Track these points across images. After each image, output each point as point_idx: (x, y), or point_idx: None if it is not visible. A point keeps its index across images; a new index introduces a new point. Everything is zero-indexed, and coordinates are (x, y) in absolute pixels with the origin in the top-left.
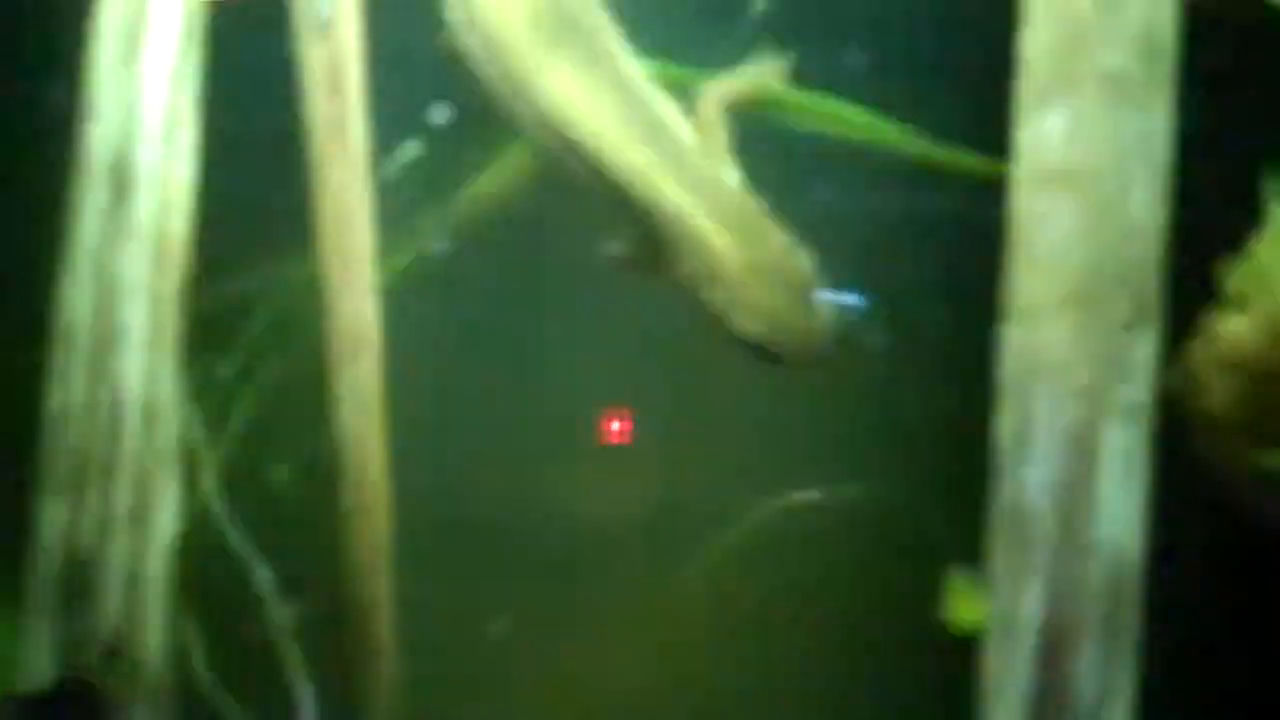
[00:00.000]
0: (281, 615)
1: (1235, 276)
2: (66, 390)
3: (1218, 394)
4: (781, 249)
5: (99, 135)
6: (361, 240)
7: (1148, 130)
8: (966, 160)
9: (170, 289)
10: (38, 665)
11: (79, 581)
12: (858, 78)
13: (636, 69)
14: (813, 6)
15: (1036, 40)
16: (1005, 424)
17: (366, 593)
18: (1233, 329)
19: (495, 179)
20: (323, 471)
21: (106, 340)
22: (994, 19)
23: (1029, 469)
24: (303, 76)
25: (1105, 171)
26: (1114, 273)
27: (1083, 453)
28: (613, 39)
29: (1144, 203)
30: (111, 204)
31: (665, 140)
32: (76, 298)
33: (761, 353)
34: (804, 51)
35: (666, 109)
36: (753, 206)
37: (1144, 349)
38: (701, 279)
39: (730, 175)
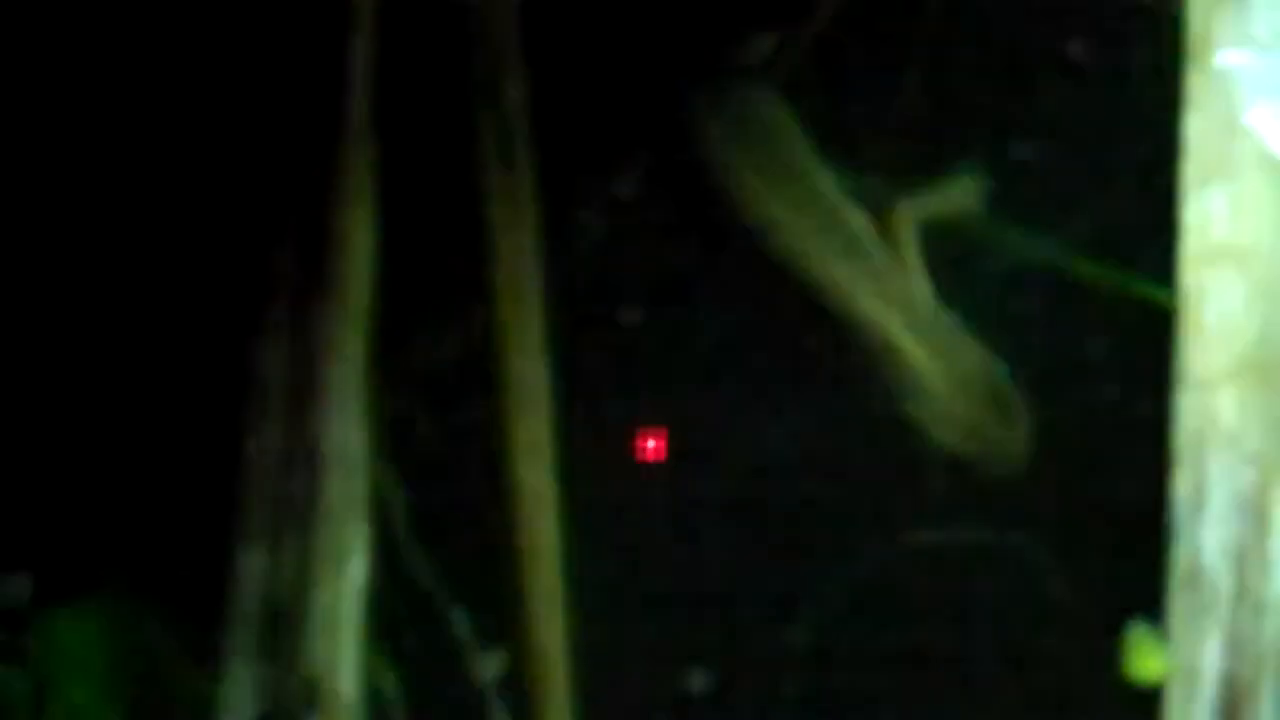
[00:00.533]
0: (476, 661)
1: None
2: (264, 442)
3: None
4: (979, 362)
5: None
6: (533, 304)
7: None
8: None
9: (360, 344)
10: (239, 706)
11: (278, 625)
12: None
13: (829, 182)
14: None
15: (1198, 123)
16: (1181, 488)
17: (542, 641)
18: None
19: None
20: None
21: (302, 393)
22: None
23: (1205, 530)
24: (475, 147)
25: (1267, 246)
26: (1277, 342)
27: (1256, 515)
28: (807, 152)
29: None
30: (303, 265)
31: (861, 254)
32: (274, 353)
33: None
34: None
35: (859, 222)
36: (946, 320)
37: None
38: (902, 393)
39: (922, 289)
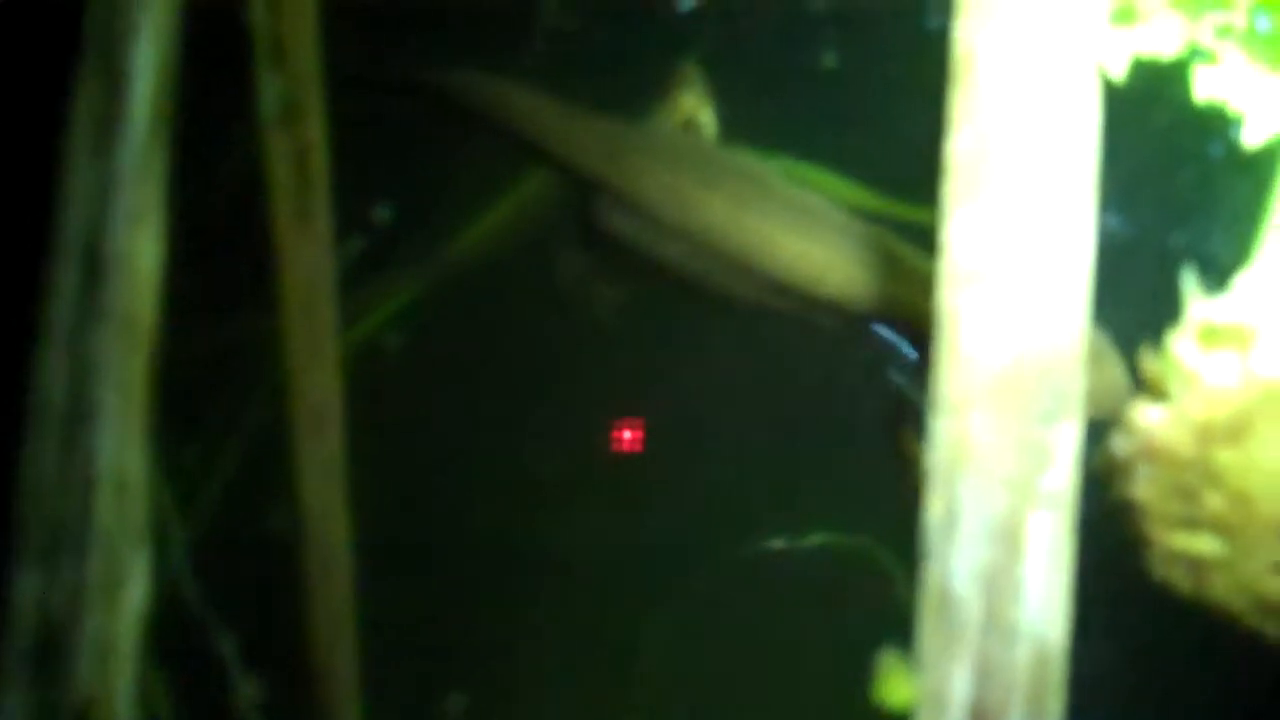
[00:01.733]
0: (247, 687)
1: (1154, 368)
2: (40, 464)
3: (1139, 482)
4: None
5: (72, 220)
6: (325, 316)
7: (1066, 228)
8: None
9: (140, 367)
10: None
11: (52, 651)
12: None
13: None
14: None
15: (960, 140)
16: (934, 511)
17: (327, 666)
18: (1150, 420)
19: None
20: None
21: (79, 414)
22: None
23: (956, 555)
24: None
25: (1026, 268)
26: (1035, 367)
27: (1007, 539)
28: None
29: (1063, 299)
30: (83, 286)
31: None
32: (51, 375)
33: None
34: None
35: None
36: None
37: (1065, 439)
38: None
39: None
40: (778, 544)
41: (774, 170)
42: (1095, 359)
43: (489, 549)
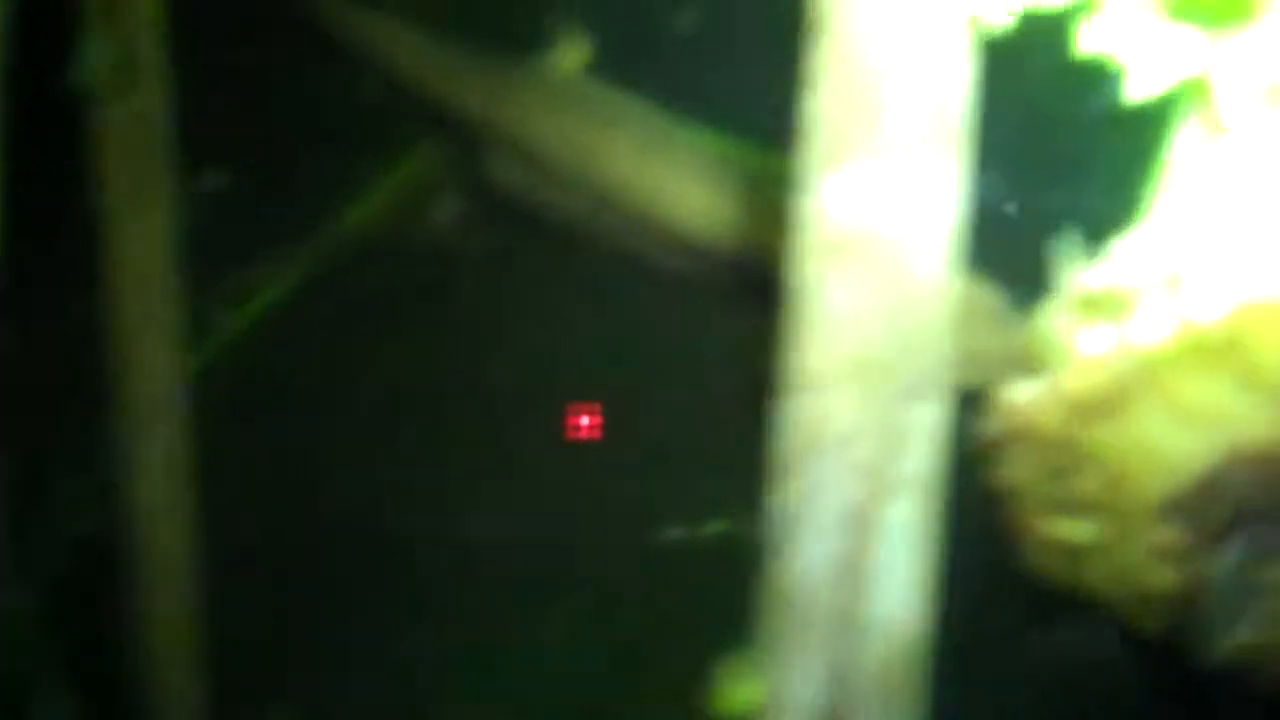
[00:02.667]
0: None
1: (1029, 338)
2: None
3: (1009, 462)
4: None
5: None
6: (163, 299)
7: (937, 193)
8: None
9: None
10: None
11: None
12: None
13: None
14: None
15: (821, 99)
16: (784, 497)
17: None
18: (1021, 398)
19: None
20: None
21: None
22: None
23: (807, 545)
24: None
25: (892, 236)
26: (898, 341)
27: (862, 528)
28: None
29: (931, 269)
30: None
31: None
32: None
33: None
34: None
35: None
36: None
37: (928, 419)
38: None
39: None
40: (676, 533)
41: (675, 120)
42: (989, 318)
43: (365, 543)
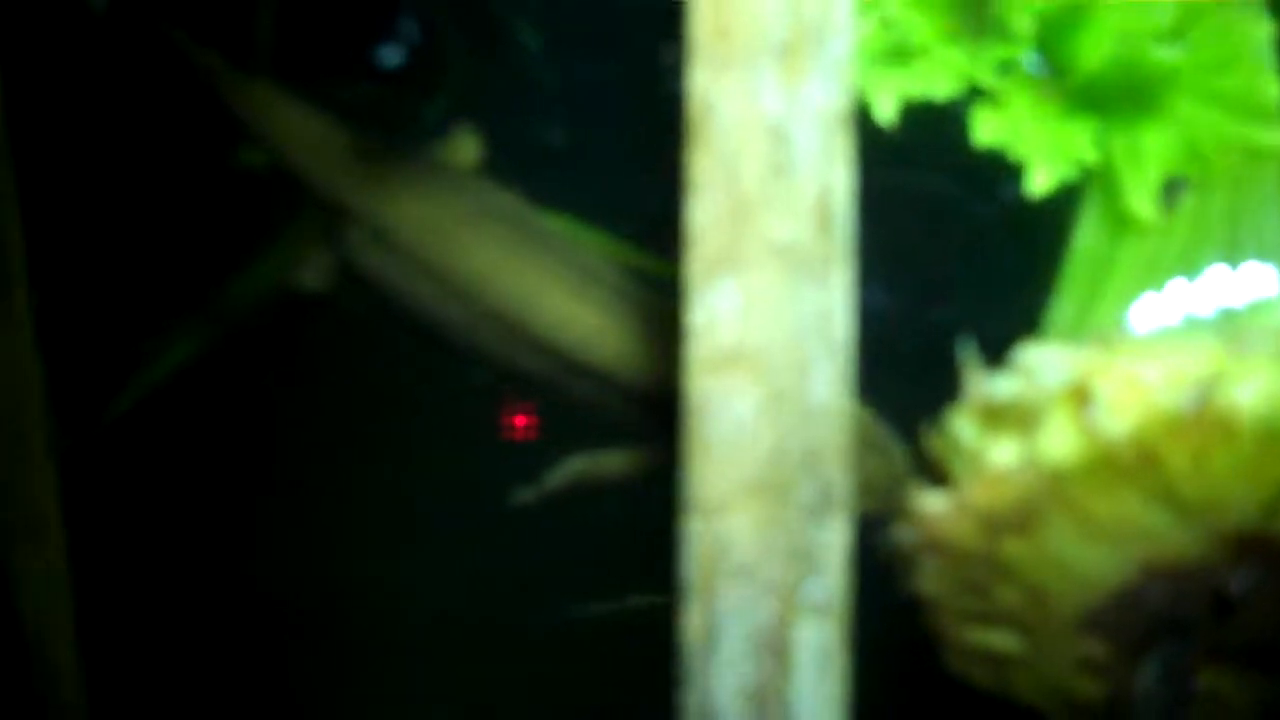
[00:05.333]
0: None
1: (935, 449)
2: None
3: (925, 573)
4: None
5: None
6: (35, 416)
7: (825, 305)
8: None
9: None
10: None
11: None
12: None
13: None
14: None
15: (704, 210)
16: (693, 624)
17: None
18: (932, 509)
19: None
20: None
21: None
22: None
23: (719, 672)
24: None
25: (782, 350)
26: (797, 458)
27: (775, 652)
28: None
29: (824, 382)
30: None
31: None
32: None
33: None
34: None
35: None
36: None
37: (834, 537)
38: None
39: None
40: (597, 608)
41: (545, 218)
42: (870, 446)
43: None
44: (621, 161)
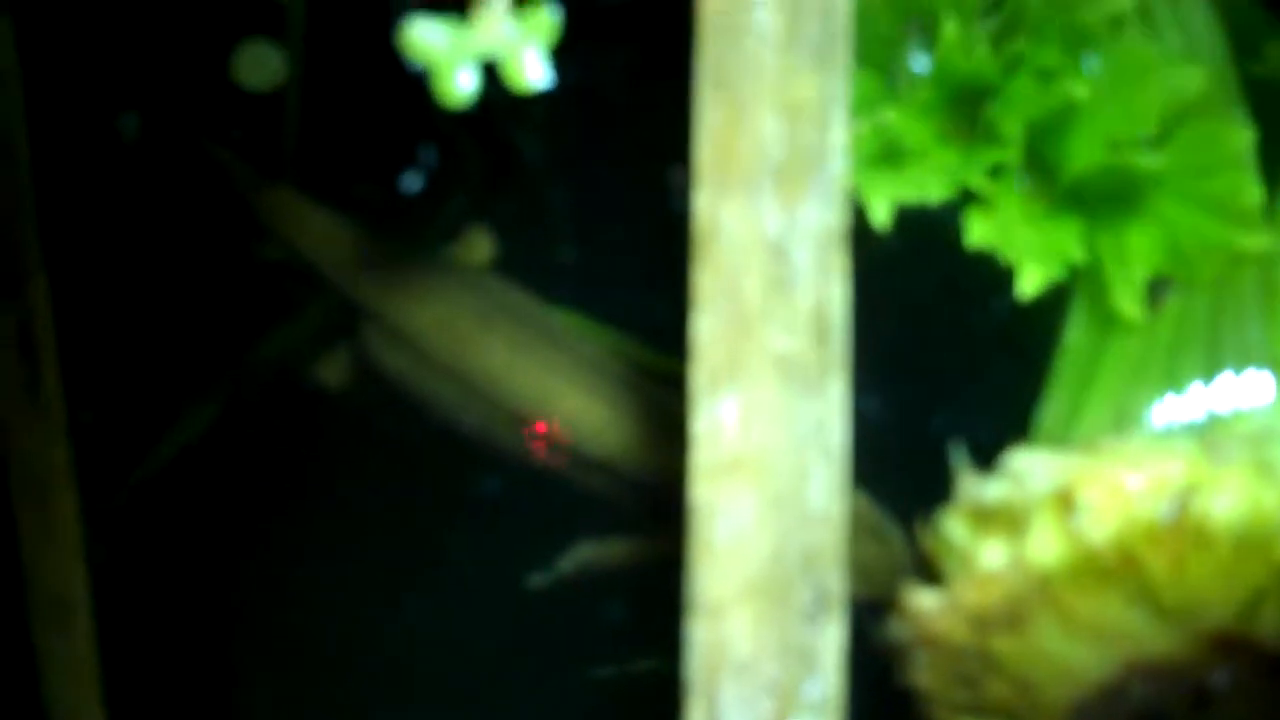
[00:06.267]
0: None
1: (927, 547)
2: None
3: (919, 666)
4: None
5: None
6: (64, 503)
7: (822, 414)
8: None
9: None
10: None
11: None
12: None
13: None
14: None
15: (708, 324)
16: None
17: None
18: (925, 606)
19: None
20: None
21: None
22: None
23: None
24: None
25: (781, 458)
26: (795, 562)
27: None
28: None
29: (821, 489)
30: None
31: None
32: None
33: None
34: None
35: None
36: None
37: (830, 638)
38: None
39: None
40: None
41: (555, 316)
42: (873, 534)
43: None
44: (629, 275)
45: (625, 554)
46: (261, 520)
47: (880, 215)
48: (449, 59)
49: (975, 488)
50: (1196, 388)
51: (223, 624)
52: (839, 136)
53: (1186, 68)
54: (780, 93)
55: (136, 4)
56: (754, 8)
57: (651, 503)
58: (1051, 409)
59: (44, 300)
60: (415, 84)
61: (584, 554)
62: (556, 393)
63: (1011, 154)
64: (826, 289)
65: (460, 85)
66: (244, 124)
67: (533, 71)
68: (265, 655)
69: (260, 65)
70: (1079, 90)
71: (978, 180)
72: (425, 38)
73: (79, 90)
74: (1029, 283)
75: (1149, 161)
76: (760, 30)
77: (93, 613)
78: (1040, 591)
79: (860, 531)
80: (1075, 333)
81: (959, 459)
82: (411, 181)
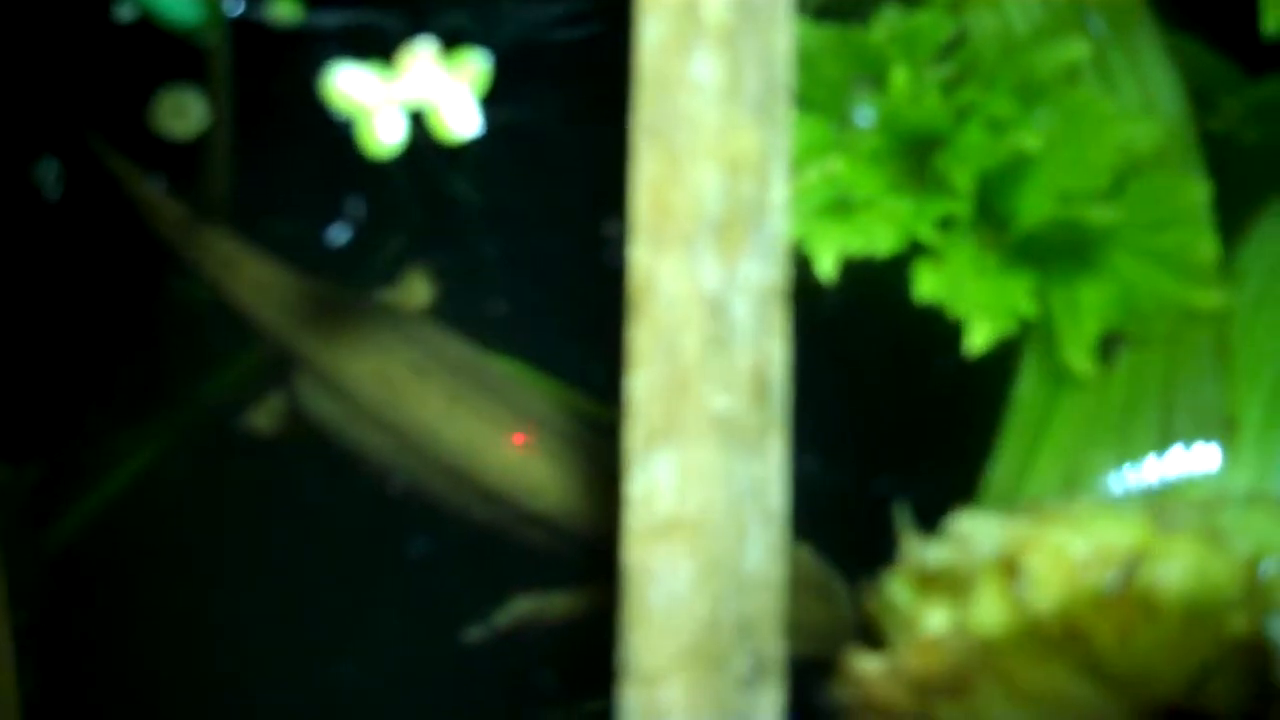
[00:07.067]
0: None
1: (870, 610)
2: None
3: None
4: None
5: None
6: None
7: (761, 475)
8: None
9: None
10: None
11: None
12: None
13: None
14: None
15: (644, 382)
16: None
17: None
18: (867, 670)
19: None
20: None
21: None
22: None
23: None
24: None
25: (718, 520)
26: (732, 628)
27: None
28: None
29: (759, 552)
30: None
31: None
32: None
33: None
34: None
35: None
36: None
37: (766, 705)
38: None
39: None
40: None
41: (494, 365)
42: (819, 591)
43: None
44: (568, 324)
45: (563, 608)
46: (195, 569)
47: (826, 267)
48: (373, 108)
49: (919, 550)
50: (1148, 449)
51: (150, 675)
52: (780, 191)
53: (1142, 121)
54: (720, 145)
55: (57, 50)
56: (692, 58)
57: (590, 556)
58: (1000, 467)
59: None
60: (345, 128)
61: (521, 607)
62: (493, 445)
63: (962, 205)
64: (766, 347)
65: (385, 135)
66: (168, 170)
67: (462, 120)
68: (194, 707)
69: (181, 111)
70: (1031, 141)
71: (927, 232)
72: (349, 87)
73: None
74: (979, 337)
75: (1102, 215)
76: (698, 81)
77: (15, 669)
78: (984, 659)
79: (804, 588)
80: (1026, 389)
81: (903, 520)
82: (346, 225)
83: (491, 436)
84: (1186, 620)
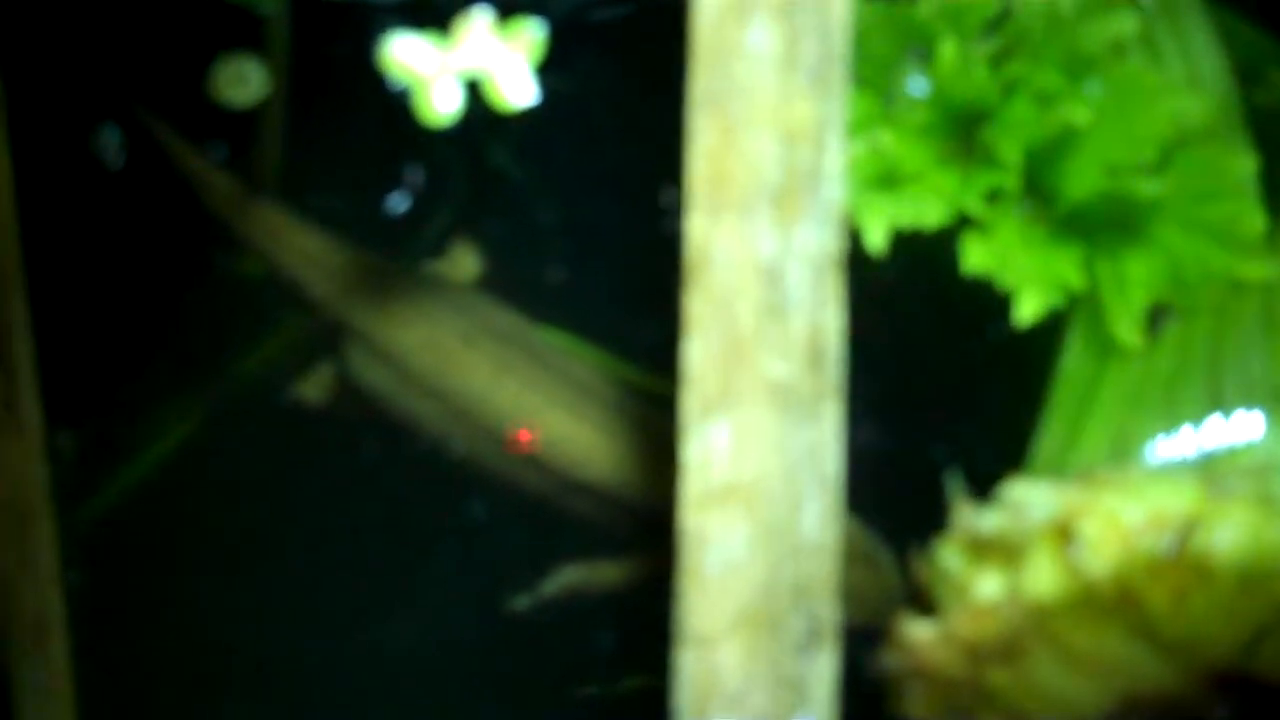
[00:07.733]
0: None
1: (922, 577)
2: None
3: (912, 697)
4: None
5: None
6: (42, 522)
7: (816, 442)
8: None
9: None
10: None
11: None
12: None
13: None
14: None
15: (700, 350)
16: None
17: None
18: (919, 636)
19: None
20: None
21: None
22: None
23: None
24: None
25: (774, 486)
26: (787, 592)
27: None
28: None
29: (815, 517)
30: None
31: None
32: None
33: None
34: None
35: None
36: None
37: (822, 670)
38: None
39: None
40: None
41: (542, 335)
42: (866, 560)
43: None
44: (618, 295)
45: (611, 576)
46: (240, 538)
47: (876, 239)
48: (430, 78)
49: (971, 518)
50: (1195, 418)
51: (200, 644)
52: (835, 159)
53: (1189, 94)
54: (776, 115)
55: (115, 19)
56: (749, 28)
57: (638, 525)
58: (1049, 437)
59: (22, 317)
60: (400, 98)
61: (569, 576)
62: (541, 413)
63: (1010, 178)
64: (821, 314)
65: (441, 104)
66: (223, 140)
67: (517, 90)
68: (244, 675)
69: (241, 80)
70: (1079, 115)
71: (975, 205)
72: (406, 56)
73: (58, 106)
74: (1027, 309)
75: (1149, 188)
76: (755, 50)
77: (68, 635)
78: (1037, 624)
79: (853, 558)
80: (1073, 360)
81: (955, 488)
82: (397, 196)
83: (539, 405)
84: (1241, 584)
